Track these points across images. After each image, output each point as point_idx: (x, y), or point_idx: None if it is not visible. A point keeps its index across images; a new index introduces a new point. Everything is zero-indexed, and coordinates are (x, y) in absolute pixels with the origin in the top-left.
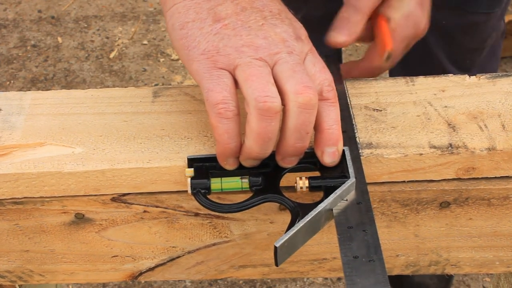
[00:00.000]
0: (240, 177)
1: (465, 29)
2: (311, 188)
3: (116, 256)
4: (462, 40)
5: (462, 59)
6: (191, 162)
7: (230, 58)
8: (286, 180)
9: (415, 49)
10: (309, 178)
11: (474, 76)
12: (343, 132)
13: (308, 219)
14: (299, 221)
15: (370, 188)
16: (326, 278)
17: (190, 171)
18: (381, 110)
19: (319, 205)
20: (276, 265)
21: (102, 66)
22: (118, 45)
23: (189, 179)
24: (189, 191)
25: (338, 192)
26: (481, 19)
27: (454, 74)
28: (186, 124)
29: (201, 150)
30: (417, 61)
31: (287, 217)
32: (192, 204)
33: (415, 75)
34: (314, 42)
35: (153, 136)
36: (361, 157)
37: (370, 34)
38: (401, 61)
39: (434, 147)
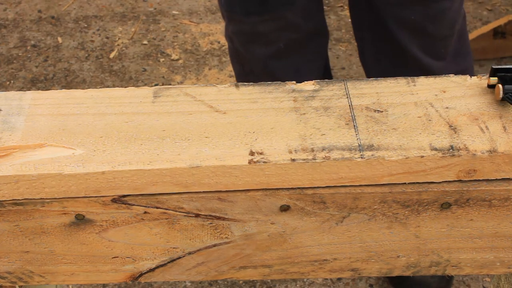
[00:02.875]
0: None
1: (434, 18)
2: None
3: (117, 257)
4: (432, 29)
5: (436, 48)
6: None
7: None
8: None
9: (388, 51)
10: None
11: (476, 77)
12: None
13: None
14: None
15: (370, 189)
16: (326, 279)
17: (495, 80)
18: (382, 111)
19: None
20: None
21: (102, 66)
22: (118, 45)
23: (500, 85)
24: (501, 96)
25: None
26: (446, 5)
27: (431, 65)
28: (186, 125)
29: (202, 151)
30: (392, 61)
31: (287, 218)
32: (193, 205)
33: (391, 74)
34: (300, 61)
35: (154, 137)
36: (362, 159)
37: None
38: (375, 62)
39: (435, 149)
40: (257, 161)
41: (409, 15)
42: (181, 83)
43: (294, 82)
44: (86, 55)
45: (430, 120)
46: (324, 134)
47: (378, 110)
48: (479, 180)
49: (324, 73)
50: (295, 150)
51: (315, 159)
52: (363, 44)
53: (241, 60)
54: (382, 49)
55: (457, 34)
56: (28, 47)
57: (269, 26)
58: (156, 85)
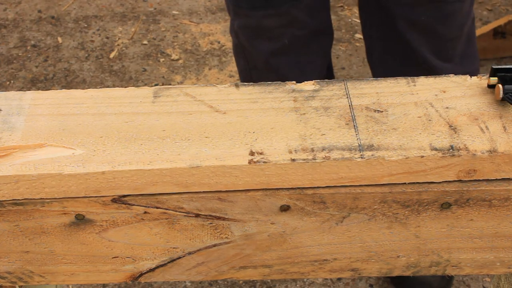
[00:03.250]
0: None
1: (444, 20)
2: None
3: (117, 257)
4: (442, 31)
5: (444, 49)
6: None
7: None
8: None
9: (396, 51)
10: None
11: (476, 77)
12: None
13: None
14: None
15: (370, 189)
16: (326, 279)
17: (495, 80)
18: (382, 111)
19: None
20: None
21: (102, 66)
22: (118, 45)
23: (500, 85)
24: (501, 96)
25: None
26: (456, 7)
27: (439, 66)
28: (186, 125)
29: (202, 151)
30: (400, 61)
31: (287, 218)
32: (193, 205)
33: (399, 74)
34: (303, 59)
35: (154, 137)
36: (362, 159)
37: None
38: (383, 61)
39: (435, 149)
40: (257, 161)
41: (419, 16)
42: (181, 83)
43: (294, 82)
44: (86, 55)
45: (430, 120)
46: (324, 134)
47: (378, 110)
48: (479, 180)
49: (327, 73)
50: (295, 150)
51: (315, 159)
52: (371, 43)
53: (246, 56)
54: (390, 49)
55: (465, 36)
56: (28, 47)
57: (274, 21)
58: (156, 85)
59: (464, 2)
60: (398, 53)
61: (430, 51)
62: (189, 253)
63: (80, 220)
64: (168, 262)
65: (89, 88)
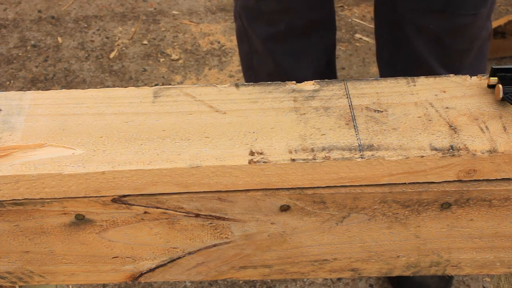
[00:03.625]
0: None
1: (453, 32)
2: None
3: (117, 257)
4: (450, 42)
5: (451, 61)
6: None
7: None
8: None
9: (403, 55)
10: None
11: (475, 77)
12: None
13: None
14: None
15: (370, 189)
16: (326, 279)
17: (495, 80)
18: (382, 111)
19: None
20: None
21: (102, 66)
22: (118, 45)
23: (500, 85)
24: (501, 96)
25: None
26: (468, 20)
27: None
28: (186, 125)
29: (202, 151)
30: (406, 67)
31: (287, 218)
32: (193, 205)
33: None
34: (300, 50)
35: (154, 137)
36: (362, 159)
37: None
38: (389, 67)
39: (435, 149)
40: (257, 161)
41: (427, 24)
42: (181, 83)
43: (294, 82)
44: (86, 55)
45: (430, 120)
46: (324, 134)
47: (378, 110)
48: (479, 180)
49: (327, 70)
50: (295, 150)
51: (315, 159)
52: (381, 44)
53: (249, 39)
54: (398, 52)
55: (476, 50)
56: (28, 47)
57: (271, 6)
58: (156, 85)
59: (478, 16)
60: (405, 57)
61: (436, 60)
62: (189, 253)
63: (80, 220)
64: (168, 262)
65: (89, 88)
